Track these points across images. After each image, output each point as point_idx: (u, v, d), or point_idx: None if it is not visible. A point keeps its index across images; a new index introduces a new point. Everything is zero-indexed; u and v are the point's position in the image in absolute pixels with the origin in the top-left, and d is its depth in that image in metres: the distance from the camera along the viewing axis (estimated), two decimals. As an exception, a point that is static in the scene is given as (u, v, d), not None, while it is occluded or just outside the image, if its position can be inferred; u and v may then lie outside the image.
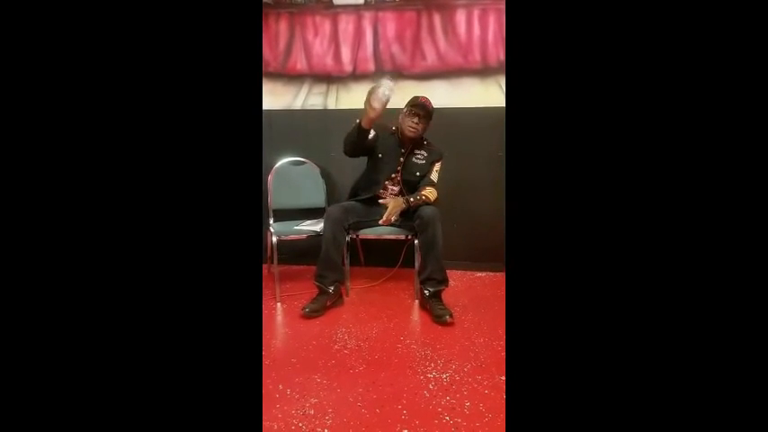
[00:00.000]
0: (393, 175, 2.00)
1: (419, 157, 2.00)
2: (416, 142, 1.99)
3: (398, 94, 2.31)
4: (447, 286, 1.88)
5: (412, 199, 1.91)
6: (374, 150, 1.97)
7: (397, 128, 1.98)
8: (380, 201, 1.96)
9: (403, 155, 1.99)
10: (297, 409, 1.21)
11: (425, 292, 1.86)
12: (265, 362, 1.47)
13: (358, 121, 1.75)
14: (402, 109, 1.95)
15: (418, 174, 1.99)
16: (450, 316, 1.75)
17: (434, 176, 2.01)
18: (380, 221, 1.90)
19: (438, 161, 2.01)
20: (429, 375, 1.38)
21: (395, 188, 2.02)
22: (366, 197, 2.01)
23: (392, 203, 1.90)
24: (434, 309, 1.80)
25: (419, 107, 1.90)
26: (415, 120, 1.90)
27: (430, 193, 1.96)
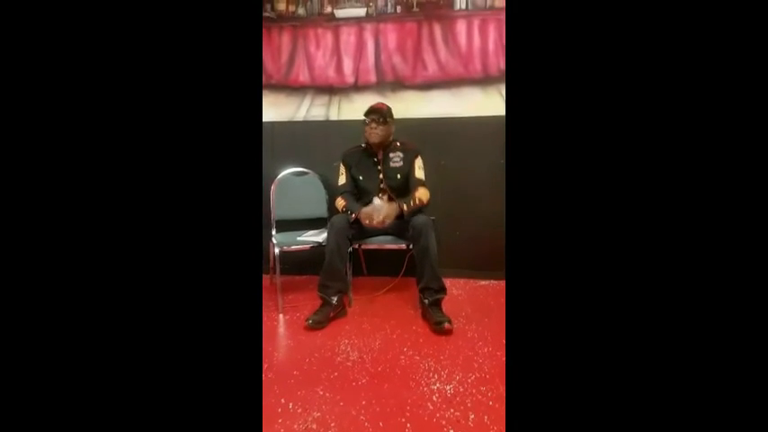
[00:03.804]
0: (381, 187, 2.03)
1: (395, 159, 2.03)
2: (388, 146, 2.03)
3: (401, 105, 2.34)
4: (445, 294, 1.87)
5: (405, 206, 1.90)
6: (355, 178, 2.06)
7: (365, 142, 2.05)
8: (375, 201, 1.91)
9: (378, 163, 2.04)
10: (299, 424, 1.20)
11: (425, 301, 1.86)
12: (268, 375, 1.46)
13: (354, 215, 1.93)
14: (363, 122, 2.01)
15: (399, 176, 2.01)
16: (449, 322, 1.74)
17: (420, 174, 2.01)
18: (374, 222, 1.87)
19: (416, 158, 2.02)
20: (432, 387, 1.37)
21: (383, 197, 2.02)
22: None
23: (386, 208, 1.89)
24: (433, 316, 1.79)
25: (372, 113, 1.97)
26: (373, 125, 1.97)
27: (422, 194, 1.95)
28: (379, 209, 1.88)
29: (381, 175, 2.03)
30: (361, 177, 2.05)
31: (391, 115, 2.02)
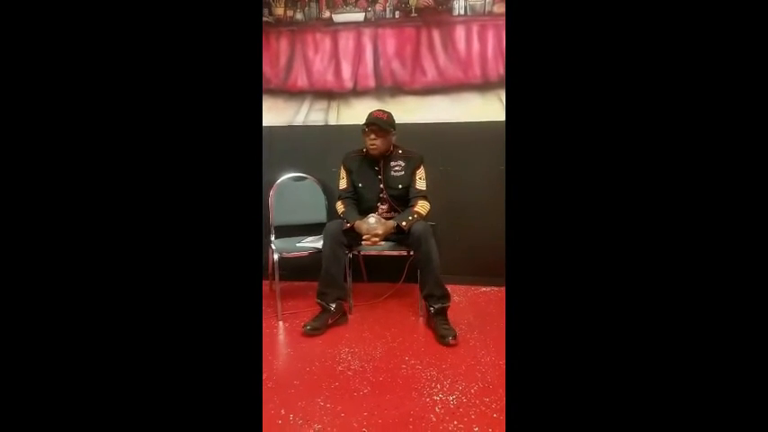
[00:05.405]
0: (381, 196, 2.00)
1: (397, 168, 1.97)
2: (389, 155, 1.97)
3: (400, 110, 2.32)
4: (449, 302, 1.85)
5: (404, 222, 1.85)
6: (355, 185, 2.00)
7: (364, 148, 1.98)
8: (370, 220, 1.87)
9: (379, 172, 1.98)
10: (300, 436, 1.18)
11: (430, 309, 1.84)
12: (267, 384, 1.44)
13: (348, 224, 1.89)
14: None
15: (401, 186, 1.97)
16: (454, 337, 1.71)
17: (421, 185, 1.96)
18: (365, 243, 1.88)
19: (419, 167, 1.97)
20: (435, 398, 1.35)
21: (384, 206, 2.00)
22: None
23: (382, 228, 1.85)
24: (438, 328, 1.77)
25: (371, 123, 1.89)
26: (372, 137, 1.90)
27: (421, 207, 1.91)
28: (374, 228, 1.85)
29: (382, 185, 1.99)
30: (360, 185, 2.00)
31: (392, 124, 1.93)
